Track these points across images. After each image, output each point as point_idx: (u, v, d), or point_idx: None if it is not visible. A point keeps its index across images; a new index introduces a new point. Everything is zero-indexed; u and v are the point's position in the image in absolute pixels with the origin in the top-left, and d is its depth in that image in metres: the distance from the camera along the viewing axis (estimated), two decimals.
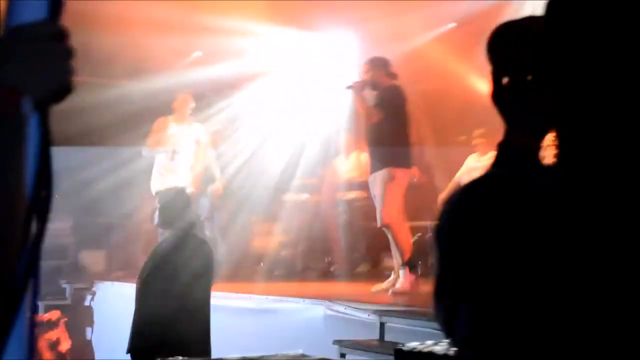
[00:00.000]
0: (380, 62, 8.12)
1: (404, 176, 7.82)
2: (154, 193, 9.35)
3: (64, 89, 1.19)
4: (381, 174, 7.75)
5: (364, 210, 8.56)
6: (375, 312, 6.22)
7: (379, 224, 7.82)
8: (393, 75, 8.06)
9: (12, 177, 1.08)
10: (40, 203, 1.13)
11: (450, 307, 1.11)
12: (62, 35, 1.20)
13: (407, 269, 7.61)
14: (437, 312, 1.15)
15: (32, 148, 1.14)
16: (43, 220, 1.12)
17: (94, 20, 8.90)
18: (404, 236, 7.76)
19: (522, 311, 1.02)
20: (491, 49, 1.26)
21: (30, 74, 1.15)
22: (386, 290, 7.74)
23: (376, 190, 7.80)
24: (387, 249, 8.31)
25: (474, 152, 10.81)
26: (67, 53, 1.20)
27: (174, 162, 9.52)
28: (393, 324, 6.02)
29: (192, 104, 9.92)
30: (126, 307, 6.26)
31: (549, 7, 1.11)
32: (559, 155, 1.07)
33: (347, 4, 10.65)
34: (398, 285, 7.52)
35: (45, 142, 1.16)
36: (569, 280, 1.00)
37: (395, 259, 7.94)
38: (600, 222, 1.01)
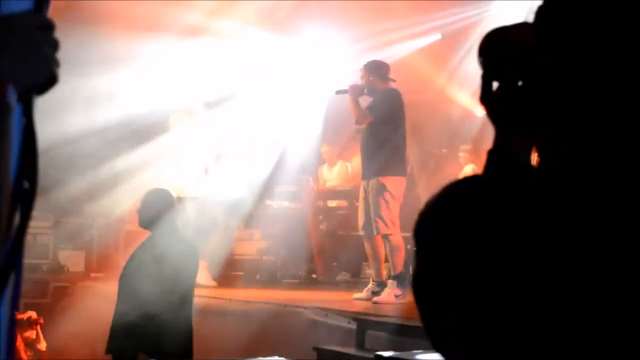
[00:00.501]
0: (377, 66, 8.08)
1: (399, 184, 7.78)
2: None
3: (48, 80, 1.18)
4: (375, 183, 7.71)
5: (346, 218, 8.56)
6: (356, 319, 6.21)
7: (375, 232, 7.74)
8: (389, 80, 8.02)
9: None
10: (24, 194, 1.11)
11: (438, 314, 1.11)
12: (47, 27, 1.20)
13: (396, 282, 7.59)
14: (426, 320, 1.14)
15: (16, 139, 1.13)
16: (27, 211, 1.11)
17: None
18: (399, 247, 7.73)
19: (507, 314, 1.02)
20: (482, 53, 1.25)
21: (14, 64, 1.14)
22: (367, 298, 7.73)
23: (370, 198, 7.75)
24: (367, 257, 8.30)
25: (461, 164, 10.90)
26: (52, 44, 1.20)
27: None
28: (373, 331, 6.01)
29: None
30: (106, 307, 6.22)
31: (540, 12, 1.11)
32: (549, 158, 1.07)
33: (334, 10, 10.70)
34: (383, 296, 7.49)
35: (30, 133, 1.15)
36: (557, 283, 1.00)
37: (373, 268, 7.95)
38: (594, 225, 1.01)
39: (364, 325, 6.09)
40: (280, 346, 6.29)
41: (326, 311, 6.70)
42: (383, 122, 7.75)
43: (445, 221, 1.12)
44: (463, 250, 1.08)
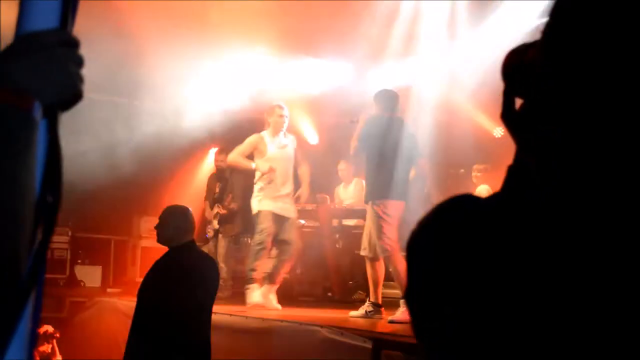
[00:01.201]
0: (384, 96, 8.18)
1: (397, 208, 7.84)
2: (254, 212, 9.24)
3: (73, 96, 1.19)
4: (369, 208, 7.84)
5: (362, 237, 8.55)
6: (371, 338, 6.18)
7: (379, 254, 7.83)
8: (394, 109, 8.10)
9: (22, 179, 1.08)
10: (48, 208, 1.12)
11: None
12: (72, 43, 1.21)
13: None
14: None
15: (40, 153, 1.14)
16: (50, 225, 1.11)
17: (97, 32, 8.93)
18: (403, 267, 7.76)
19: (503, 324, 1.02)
20: (505, 70, 1.26)
21: (40, 79, 1.15)
22: (362, 316, 7.93)
23: (369, 222, 7.88)
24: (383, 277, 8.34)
25: (474, 184, 10.91)
26: (77, 60, 1.21)
27: (272, 184, 9.22)
28: (389, 350, 5.99)
29: (286, 114, 9.41)
30: (123, 322, 6.23)
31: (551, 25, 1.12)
32: (547, 160, 1.07)
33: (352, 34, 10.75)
34: (398, 315, 7.51)
35: (54, 148, 1.16)
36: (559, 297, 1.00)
37: (371, 289, 8.07)
38: (592, 228, 1.01)
39: (379, 344, 6.06)
40: None
41: (342, 330, 6.68)
42: (374, 150, 7.86)
43: (440, 232, 1.13)
44: (459, 258, 1.08)
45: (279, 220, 9.07)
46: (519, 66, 1.24)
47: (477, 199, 1.13)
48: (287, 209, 9.19)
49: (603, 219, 1.01)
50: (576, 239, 1.01)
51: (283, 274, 9.19)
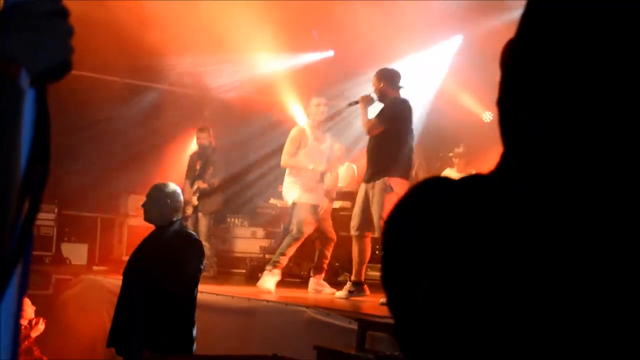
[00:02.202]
0: (389, 74, 8.23)
1: (403, 187, 7.84)
2: (289, 203, 9.21)
3: (62, 66, 1.17)
4: (380, 183, 7.82)
5: (349, 219, 8.57)
6: (357, 319, 6.20)
7: (376, 233, 7.89)
8: (400, 88, 8.15)
9: (7, 149, 1.06)
10: (35, 177, 1.10)
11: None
12: (62, 13, 1.19)
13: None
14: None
15: (28, 123, 1.12)
16: (37, 194, 1.10)
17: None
18: None
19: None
20: (503, 60, 1.24)
21: (29, 48, 1.13)
22: (345, 297, 8.02)
23: (375, 198, 7.85)
24: (369, 260, 8.36)
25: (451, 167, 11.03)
26: (67, 31, 1.19)
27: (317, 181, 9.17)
28: (374, 332, 6.01)
29: (325, 109, 9.32)
30: (108, 299, 6.23)
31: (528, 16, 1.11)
32: (539, 153, 1.06)
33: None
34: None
35: (42, 117, 1.14)
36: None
37: (355, 269, 8.18)
38: (584, 221, 1.01)
39: (365, 325, 6.09)
40: (280, 344, 6.29)
41: (327, 311, 6.70)
42: (392, 129, 7.88)
43: (415, 211, 1.13)
44: (434, 237, 1.08)
45: (315, 210, 9.06)
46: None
47: (451, 180, 1.13)
48: (322, 199, 9.19)
49: (591, 208, 1.00)
50: (562, 227, 1.00)
51: (325, 262, 9.19)
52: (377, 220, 7.75)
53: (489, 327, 1.01)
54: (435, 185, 1.14)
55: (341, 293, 8.18)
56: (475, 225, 1.05)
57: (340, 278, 10.46)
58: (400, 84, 8.17)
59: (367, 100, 8.14)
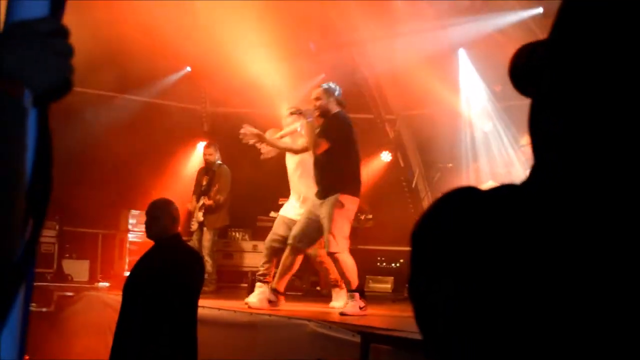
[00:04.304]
0: (334, 90, 8.13)
1: (353, 204, 7.85)
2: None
3: (63, 86, 1.18)
4: (333, 199, 7.77)
5: (351, 232, 8.55)
6: (360, 332, 6.19)
7: (326, 249, 7.89)
8: (341, 103, 8.10)
9: (13, 167, 1.06)
10: (39, 196, 1.11)
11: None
12: (62, 33, 1.20)
13: (358, 295, 7.73)
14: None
15: (30, 141, 1.13)
16: (40, 215, 1.10)
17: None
18: (349, 264, 7.79)
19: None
20: (512, 69, 1.25)
21: (31, 68, 1.14)
22: (338, 309, 8.03)
23: (324, 215, 7.82)
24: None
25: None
26: (67, 50, 1.20)
27: None
28: (377, 344, 5.99)
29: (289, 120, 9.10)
30: (110, 316, 6.21)
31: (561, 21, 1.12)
32: (547, 152, 1.07)
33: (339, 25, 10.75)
34: (349, 309, 7.63)
35: (44, 136, 1.15)
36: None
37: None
38: (593, 222, 1.01)
39: (368, 338, 6.07)
40: (283, 358, 6.28)
41: (330, 324, 6.68)
42: (339, 146, 7.82)
43: (442, 221, 1.13)
44: (460, 245, 1.08)
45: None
46: (527, 65, 1.23)
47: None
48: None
49: (603, 212, 1.01)
50: (574, 230, 1.01)
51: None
52: (327, 235, 7.73)
53: (512, 328, 1.01)
54: (464, 193, 1.14)
55: (336, 304, 8.29)
56: (499, 229, 1.05)
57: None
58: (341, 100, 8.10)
59: (308, 114, 8.02)
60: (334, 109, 8.02)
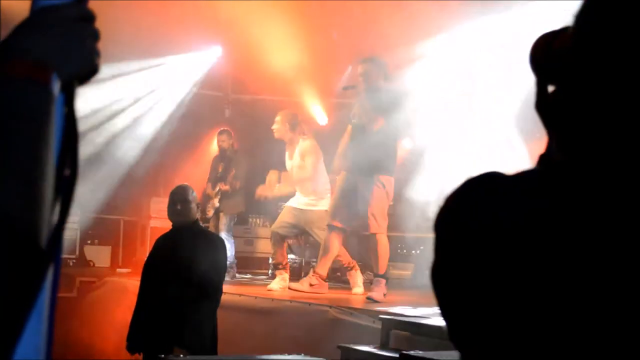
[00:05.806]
0: (382, 65, 8.00)
1: (392, 184, 7.81)
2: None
3: (90, 70, 1.19)
4: (371, 180, 7.72)
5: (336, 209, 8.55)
6: (381, 318, 6.20)
7: (366, 229, 7.87)
8: (391, 78, 8.00)
9: (41, 153, 1.07)
10: (65, 182, 1.12)
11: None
12: (88, 17, 1.20)
13: (384, 281, 7.70)
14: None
15: (57, 128, 1.13)
16: (67, 199, 1.11)
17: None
18: (386, 248, 7.79)
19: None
20: (533, 58, 1.24)
21: (58, 53, 1.14)
22: (360, 295, 8.09)
23: (364, 194, 7.76)
24: (392, 258, 8.34)
25: None
26: (94, 35, 1.20)
27: None
28: (398, 330, 6.00)
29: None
30: (132, 302, 6.25)
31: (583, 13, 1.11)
32: (569, 151, 1.07)
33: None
34: (376, 294, 7.65)
35: (71, 123, 1.16)
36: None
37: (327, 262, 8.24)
38: (613, 222, 1.01)
39: (389, 324, 6.08)
40: (304, 344, 6.30)
41: (351, 310, 6.70)
42: (388, 123, 7.73)
43: (466, 207, 1.13)
44: (483, 234, 1.08)
45: None
46: (548, 53, 1.23)
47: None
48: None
49: (629, 209, 1.00)
50: (597, 225, 1.01)
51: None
52: (366, 216, 7.72)
53: (536, 314, 1.01)
54: (487, 179, 1.14)
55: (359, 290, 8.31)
56: (522, 217, 1.06)
57: (364, 276, 10.45)
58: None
59: (360, 87, 7.93)
60: (383, 85, 7.88)
